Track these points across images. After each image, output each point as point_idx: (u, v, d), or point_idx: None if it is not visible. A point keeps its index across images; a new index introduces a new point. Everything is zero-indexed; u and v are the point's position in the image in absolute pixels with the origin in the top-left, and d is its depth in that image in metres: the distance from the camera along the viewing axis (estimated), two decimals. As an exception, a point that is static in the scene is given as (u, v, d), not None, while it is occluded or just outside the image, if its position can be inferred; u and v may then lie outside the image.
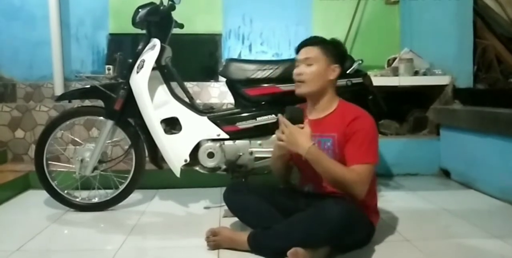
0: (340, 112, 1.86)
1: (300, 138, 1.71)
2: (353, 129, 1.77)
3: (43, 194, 2.50)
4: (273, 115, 2.31)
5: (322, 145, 1.83)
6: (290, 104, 2.24)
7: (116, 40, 4.03)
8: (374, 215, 1.89)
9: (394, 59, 3.58)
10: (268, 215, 1.86)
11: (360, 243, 1.82)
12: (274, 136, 2.30)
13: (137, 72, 2.27)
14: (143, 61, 2.28)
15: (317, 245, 1.67)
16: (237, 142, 2.32)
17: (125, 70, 2.37)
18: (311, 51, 1.88)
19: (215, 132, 2.31)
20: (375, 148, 1.79)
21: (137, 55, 2.34)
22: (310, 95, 1.91)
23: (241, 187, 2.05)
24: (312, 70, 1.86)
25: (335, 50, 1.89)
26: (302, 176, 1.99)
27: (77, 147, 2.53)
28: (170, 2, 2.33)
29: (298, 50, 1.94)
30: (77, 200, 2.46)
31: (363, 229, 1.79)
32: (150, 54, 2.28)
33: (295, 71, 1.91)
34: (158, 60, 2.31)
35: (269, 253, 1.75)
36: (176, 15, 2.41)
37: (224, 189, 2.74)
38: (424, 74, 3.44)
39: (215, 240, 1.86)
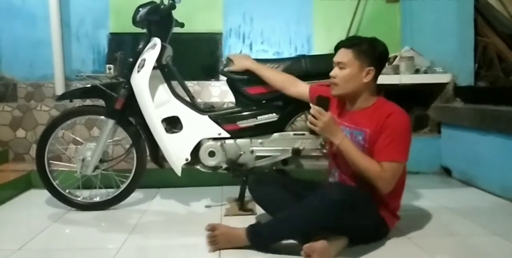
0: (377, 108, 1.85)
1: (336, 127, 1.79)
2: (385, 125, 1.78)
3: (44, 194, 2.50)
4: (274, 114, 2.31)
5: (354, 137, 1.86)
6: (289, 103, 2.26)
7: (117, 40, 4.03)
8: (389, 215, 1.88)
9: (395, 57, 3.57)
10: (289, 205, 1.87)
11: (367, 234, 1.84)
12: (274, 134, 2.32)
13: (138, 71, 2.27)
14: (144, 60, 2.28)
15: (318, 223, 1.70)
16: (238, 140, 2.32)
17: (126, 70, 2.36)
18: (345, 55, 1.85)
19: (216, 130, 2.31)
20: (405, 145, 1.79)
21: (137, 54, 2.34)
22: (343, 97, 1.93)
23: (265, 178, 2.10)
24: (344, 74, 1.85)
25: (370, 53, 1.84)
26: (331, 162, 2.03)
27: (78, 146, 2.54)
28: (170, 1, 2.32)
29: (335, 50, 1.92)
30: (79, 199, 2.46)
31: (368, 215, 1.80)
32: (151, 53, 2.28)
33: (331, 73, 1.90)
34: (158, 59, 2.31)
35: (269, 241, 1.79)
36: (176, 14, 2.41)
37: (225, 187, 2.78)
38: (425, 72, 3.43)
39: (214, 236, 1.86)
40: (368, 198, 1.81)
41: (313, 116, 1.78)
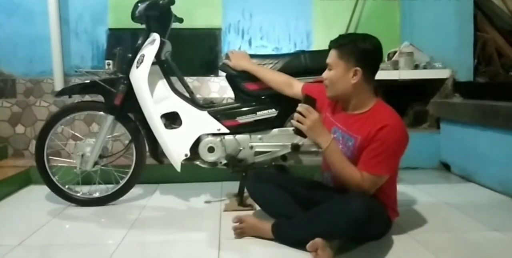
0: (372, 115, 1.77)
1: (324, 128, 1.74)
2: (376, 137, 1.70)
3: (44, 189, 2.50)
4: (273, 110, 2.31)
5: (345, 141, 1.81)
6: (289, 98, 2.26)
7: (116, 35, 4.02)
8: (392, 212, 1.88)
9: (394, 52, 3.57)
10: (286, 206, 1.90)
11: (376, 236, 1.84)
12: (274, 130, 2.33)
13: (137, 67, 2.27)
14: (143, 56, 2.27)
15: (339, 236, 1.71)
16: (237, 136, 2.32)
17: (125, 65, 2.36)
18: (331, 55, 1.80)
19: (215, 126, 2.31)
20: (391, 161, 1.74)
21: (136, 50, 2.34)
22: (335, 99, 1.89)
23: (263, 176, 2.08)
24: (331, 75, 1.81)
25: (353, 52, 1.74)
26: (324, 165, 1.99)
27: (78, 142, 2.54)
28: (169, -4, 2.32)
29: (329, 50, 1.85)
30: (78, 195, 2.46)
31: (382, 222, 1.80)
32: (150, 49, 2.28)
33: (322, 74, 1.86)
34: (157, 55, 2.30)
35: (292, 242, 1.80)
36: (175, 9, 2.40)
37: (224, 183, 2.79)
38: (424, 67, 3.43)
39: (241, 228, 1.92)
40: (382, 204, 1.79)
41: (300, 114, 1.72)
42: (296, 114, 1.74)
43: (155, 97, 2.28)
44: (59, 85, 3.82)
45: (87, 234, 2.05)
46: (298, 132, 1.76)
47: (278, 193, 1.94)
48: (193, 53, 4.03)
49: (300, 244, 1.73)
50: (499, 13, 3.64)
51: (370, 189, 1.73)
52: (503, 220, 2.16)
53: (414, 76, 3.36)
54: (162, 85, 2.36)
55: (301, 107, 1.73)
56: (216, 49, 4.14)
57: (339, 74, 1.78)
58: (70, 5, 3.99)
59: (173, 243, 1.92)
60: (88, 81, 2.44)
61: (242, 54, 2.35)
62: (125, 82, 2.33)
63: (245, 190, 2.24)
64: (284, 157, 2.35)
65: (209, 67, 4.11)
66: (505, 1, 3.66)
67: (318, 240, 1.66)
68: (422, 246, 1.82)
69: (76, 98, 2.92)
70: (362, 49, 1.75)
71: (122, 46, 2.69)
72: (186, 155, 2.28)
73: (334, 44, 1.81)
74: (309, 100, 1.77)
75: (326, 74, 1.84)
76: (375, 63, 1.82)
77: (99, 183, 2.50)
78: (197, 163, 2.36)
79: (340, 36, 1.86)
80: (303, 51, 2.38)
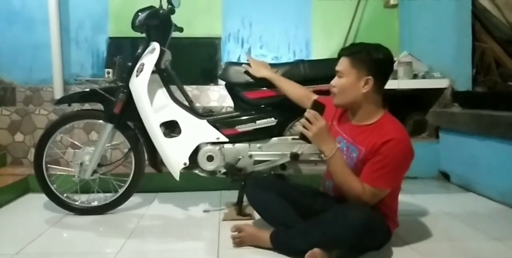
0: (378, 127, 1.76)
1: (329, 136, 1.73)
2: (381, 150, 1.69)
3: (42, 198, 2.50)
4: (272, 119, 2.31)
5: (349, 152, 1.81)
6: (288, 108, 2.26)
7: (116, 44, 4.03)
8: (392, 223, 1.87)
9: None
10: (285, 214, 1.89)
11: (374, 247, 1.82)
12: (273, 139, 2.33)
13: (137, 75, 2.27)
14: (143, 64, 2.28)
15: (338, 246, 1.70)
16: (237, 145, 2.32)
17: (125, 74, 2.37)
18: (342, 63, 1.80)
19: (215, 135, 2.31)
20: (394, 176, 1.74)
21: (136, 58, 2.35)
22: (343, 107, 1.89)
23: (263, 183, 2.07)
24: (341, 83, 1.79)
25: (366, 61, 1.74)
26: (327, 174, 1.96)
27: (77, 150, 2.53)
28: (169, 6, 2.33)
29: (338, 58, 1.85)
30: (77, 203, 2.45)
31: (382, 233, 1.79)
32: (150, 58, 2.28)
33: (331, 81, 1.85)
34: (157, 64, 2.31)
35: (290, 251, 1.79)
36: (175, 18, 2.41)
37: (223, 192, 2.78)
38: (423, 77, 3.44)
39: (240, 237, 1.91)
40: (382, 215, 1.78)
41: (307, 120, 1.71)
42: (302, 120, 1.73)
43: (154, 106, 2.28)
44: (58, 94, 3.83)
45: (85, 243, 2.04)
46: (303, 137, 1.74)
47: (277, 201, 1.93)
48: (193, 62, 4.04)
49: (298, 254, 1.72)
50: (497, 24, 3.67)
51: (369, 201, 1.72)
52: (503, 229, 2.15)
53: (413, 86, 3.37)
54: (162, 94, 2.37)
55: (308, 113, 1.71)
56: (216, 58, 4.16)
57: (350, 83, 1.77)
58: (71, 13, 4.01)
59: (171, 252, 1.91)
60: (87, 89, 2.44)
61: (263, 62, 2.35)
62: (125, 91, 2.34)
63: (244, 199, 2.24)
64: (283, 166, 2.34)
65: (209, 76, 4.12)
66: (502, 11, 3.69)
67: (316, 250, 1.66)
68: (422, 256, 1.81)
69: (76, 106, 2.93)
70: (375, 59, 1.75)
71: (122, 55, 2.70)
72: (185, 164, 2.27)
73: (346, 52, 1.82)
74: (318, 106, 1.75)
75: (335, 81, 1.83)
76: (386, 74, 1.81)
77: (98, 192, 2.49)
78: (196, 171, 2.36)
79: (352, 44, 1.87)
80: (302, 61, 2.39)
